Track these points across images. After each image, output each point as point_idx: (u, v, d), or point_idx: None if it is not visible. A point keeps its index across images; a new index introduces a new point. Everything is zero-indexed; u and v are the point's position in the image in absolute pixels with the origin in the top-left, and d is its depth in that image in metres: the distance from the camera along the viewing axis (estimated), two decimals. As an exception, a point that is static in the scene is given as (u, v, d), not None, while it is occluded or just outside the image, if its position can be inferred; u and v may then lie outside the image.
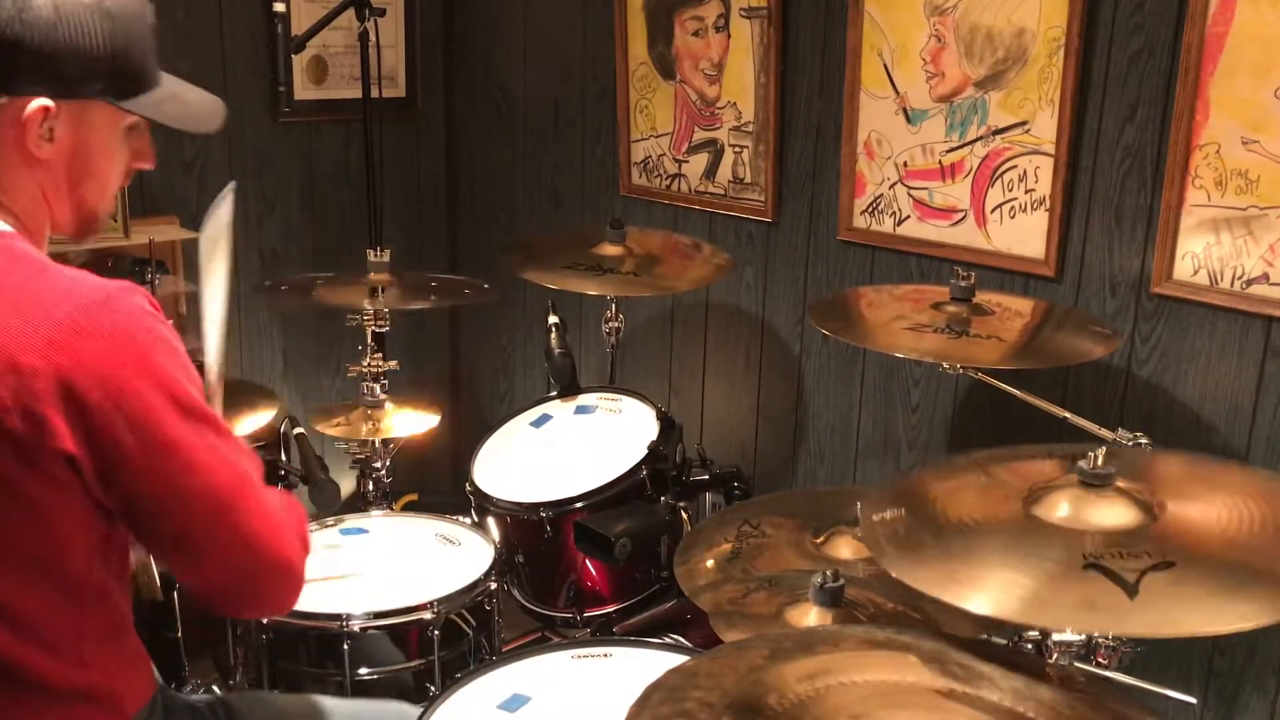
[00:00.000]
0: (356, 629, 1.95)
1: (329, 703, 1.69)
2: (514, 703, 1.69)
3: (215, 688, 1.67)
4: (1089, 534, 1.32)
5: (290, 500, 1.41)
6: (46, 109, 1.25)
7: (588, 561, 2.31)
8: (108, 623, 1.34)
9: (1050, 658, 1.51)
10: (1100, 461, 1.36)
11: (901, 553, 1.34)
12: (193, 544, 1.28)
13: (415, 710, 1.73)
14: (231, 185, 1.60)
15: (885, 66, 2.48)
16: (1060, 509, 1.36)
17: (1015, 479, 1.45)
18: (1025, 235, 2.33)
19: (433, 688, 1.99)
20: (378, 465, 2.66)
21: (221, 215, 1.58)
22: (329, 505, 2.22)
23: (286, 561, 1.33)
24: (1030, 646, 1.62)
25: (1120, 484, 1.37)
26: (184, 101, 1.42)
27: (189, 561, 1.31)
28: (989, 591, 1.24)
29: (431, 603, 2.00)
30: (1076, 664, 1.50)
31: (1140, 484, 1.39)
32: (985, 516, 1.38)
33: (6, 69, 1.23)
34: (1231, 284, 2.05)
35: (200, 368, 1.35)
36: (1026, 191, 2.31)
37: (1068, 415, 1.92)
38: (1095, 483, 1.36)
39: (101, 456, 1.20)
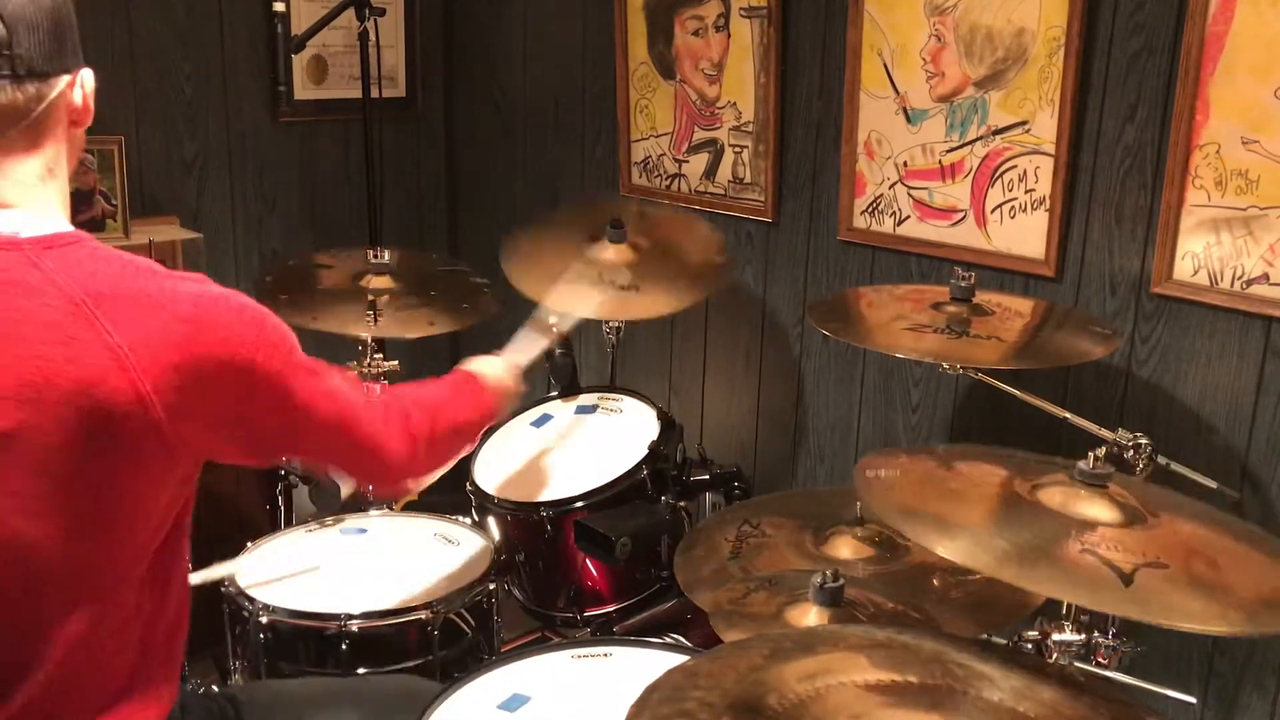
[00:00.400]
0: (355, 629, 1.95)
1: (334, 683, 1.71)
2: (514, 703, 1.69)
3: (215, 687, 1.68)
4: (1084, 525, 1.33)
5: (431, 394, 1.67)
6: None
7: (588, 561, 2.31)
8: (174, 610, 1.39)
9: (1050, 657, 1.50)
10: (1100, 459, 1.37)
11: (894, 505, 1.39)
12: (299, 451, 1.56)
13: (426, 683, 1.75)
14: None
15: (885, 66, 2.48)
16: (1057, 498, 1.38)
17: (1015, 471, 1.47)
18: (1025, 235, 2.33)
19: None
20: (378, 465, 2.65)
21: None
22: (329, 505, 2.22)
23: (385, 465, 1.53)
24: (1030, 646, 1.62)
25: (1115, 490, 1.38)
26: None
27: (291, 457, 1.75)
28: (984, 545, 1.28)
29: (431, 602, 1.99)
30: (1076, 664, 1.50)
31: (1134, 498, 1.41)
32: (984, 492, 1.40)
33: (71, 47, 1.28)
34: (1231, 284, 2.05)
35: None
36: (1026, 191, 2.31)
37: (1068, 415, 1.93)
38: (1093, 483, 1.37)
39: (234, 426, 1.31)
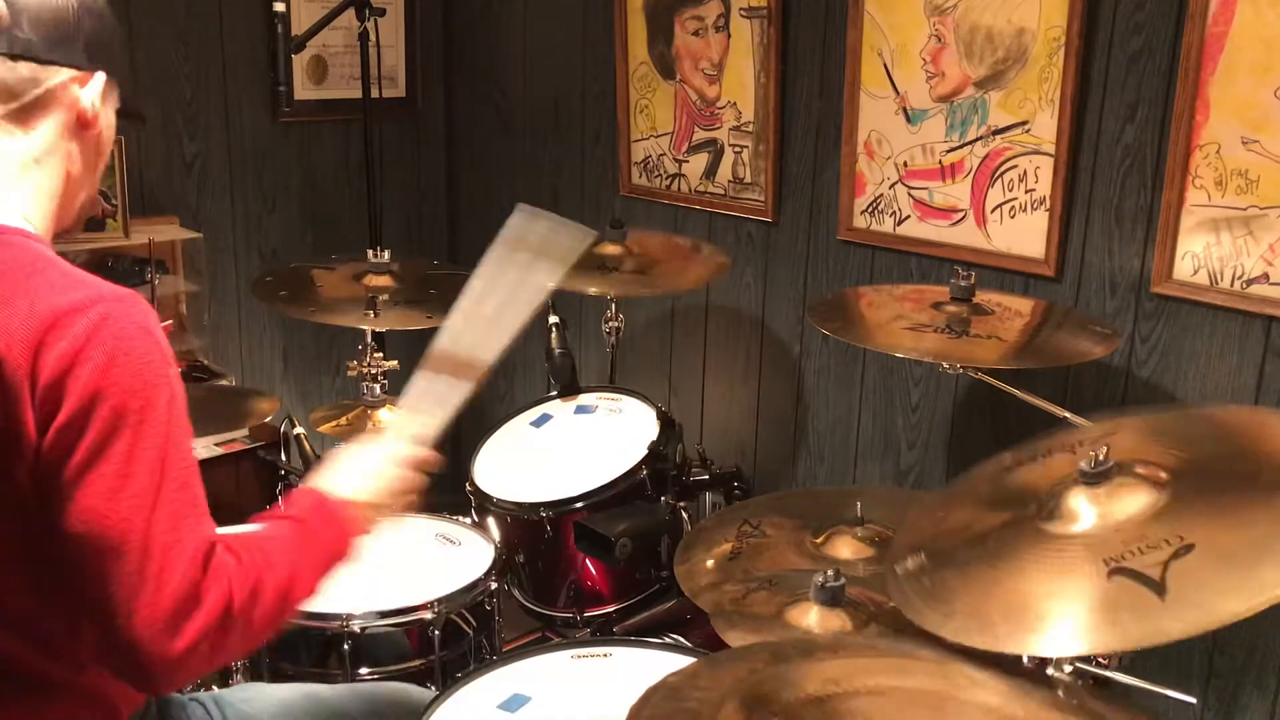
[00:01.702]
0: (357, 629, 1.95)
1: (325, 690, 1.69)
2: (514, 703, 1.69)
3: (215, 688, 1.67)
4: (1105, 534, 1.29)
5: (218, 585, 1.18)
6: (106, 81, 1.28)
7: (588, 561, 2.31)
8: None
9: (1050, 658, 1.50)
10: (1100, 457, 1.35)
11: (933, 605, 1.30)
12: (61, 562, 1.16)
13: (419, 690, 1.74)
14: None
15: (885, 66, 2.48)
16: (1070, 518, 1.32)
17: (1017, 488, 1.44)
18: (1025, 235, 2.33)
19: (433, 687, 1.98)
20: (378, 465, 2.65)
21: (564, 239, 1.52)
22: None
23: (131, 634, 1.15)
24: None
25: (1118, 467, 1.34)
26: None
27: (55, 579, 1.19)
28: (1038, 634, 1.21)
29: (432, 602, 1.99)
30: (1077, 664, 1.50)
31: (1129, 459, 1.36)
32: (1001, 542, 1.34)
33: (84, 47, 1.26)
34: (1231, 284, 2.05)
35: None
36: (1026, 191, 2.31)
37: (1068, 415, 1.92)
38: (1097, 479, 1.35)
39: (55, 457, 1.14)
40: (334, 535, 1.35)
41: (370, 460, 1.42)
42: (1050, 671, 1.28)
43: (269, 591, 1.22)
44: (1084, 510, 1.33)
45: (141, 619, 1.13)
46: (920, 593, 1.32)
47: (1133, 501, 1.31)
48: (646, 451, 2.31)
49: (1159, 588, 1.18)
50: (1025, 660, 1.48)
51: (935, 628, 1.25)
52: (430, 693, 1.73)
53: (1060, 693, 1.21)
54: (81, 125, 1.29)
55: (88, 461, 1.13)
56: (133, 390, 1.14)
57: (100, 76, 1.29)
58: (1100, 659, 1.59)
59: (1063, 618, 1.20)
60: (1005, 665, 1.25)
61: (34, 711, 1.28)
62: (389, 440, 1.45)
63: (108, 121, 1.33)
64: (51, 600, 1.25)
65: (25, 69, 1.23)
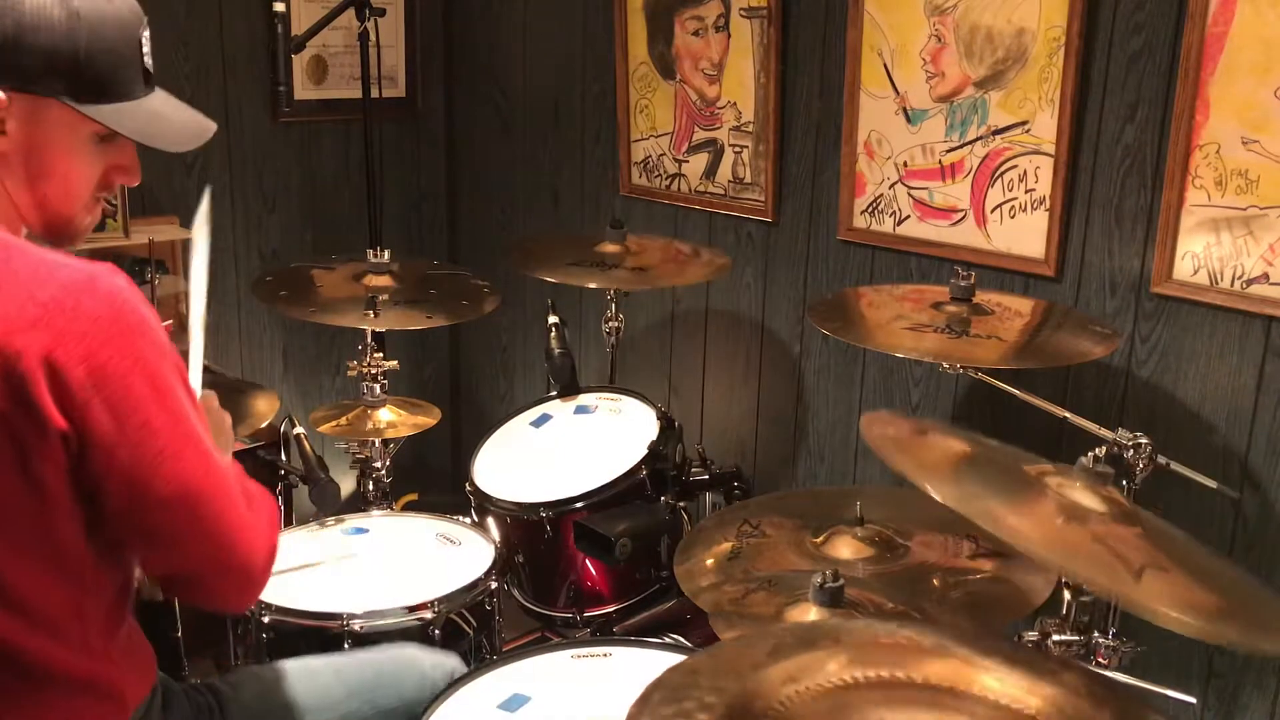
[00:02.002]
0: (357, 628, 1.95)
1: (317, 661, 1.72)
2: (514, 703, 1.69)
3: (199, 680, 1.68)
4: (1091, 518, 1.33)
5: (264, 503, 1.40)
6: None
7: (588, 561, 2.31)
8: (107, 605, 1.35)
9: (1049, 658, 1.51)
10: (1100, 459, 1.37)
11: (922, 467, 1.35)
12: (158, 531, 1.29)
13: (414, 651, 1.76)
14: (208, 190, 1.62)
15: (885, 66, 2.48)
16: (1062, 489, 1.37)
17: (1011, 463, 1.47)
18: (1025, 235, 2.33)
19: (437, 639, 1.99)
20: (378, 465, 2.66)
21: (200, 213, 1.60)
22: (329, 505, 2.22)
23: (247, 562, 1.34)
24: (1030, 645, 1.63)
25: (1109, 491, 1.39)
26: (163, 119, 1.41)
27: (152, 546, 1.32)
28: (1015, 516, 1.26)
29: (432, 602, 1.99)
30: (1074, 662, 1.50)
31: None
32: (992, 472, 1.39)
33: None
34: (1231, 284, 2.05)
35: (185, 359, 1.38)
36: (1026, 191, 2.31)
37: (1068, 415, 1.92)
38: (1095, 480, 1.37)
39: (80, 436, 1.20)
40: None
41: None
42: (1051, 665, 1.29)
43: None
44: (1074, 492, 1.37)
45: (258, 545, 1.34)
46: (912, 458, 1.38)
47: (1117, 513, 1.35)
48: (646, 451, 2.31)
49: (1136, 574, 1.23)
50: (1024, 648, 1.48)
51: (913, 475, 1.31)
52: (430, 649, 1.74)
53: (1060, 686, 1.21)
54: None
55: (141, 436, 1.22)
56: (146, 357, 1.23)
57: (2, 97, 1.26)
58: (1100, 659, 1.59)
59: (1046, 526, 1.28)
60: (1006, 658, 1.25)
61: (45, 704, 1.29)
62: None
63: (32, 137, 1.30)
64: (62, 581, 1.27)
65: None
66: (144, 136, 1.37)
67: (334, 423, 2.63)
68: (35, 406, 1.17)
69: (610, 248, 2.66)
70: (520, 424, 2.60)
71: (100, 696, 1.34)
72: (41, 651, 1.28)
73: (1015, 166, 2.32)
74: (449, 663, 1.79)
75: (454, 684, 1.73)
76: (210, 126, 1.46)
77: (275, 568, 1.38)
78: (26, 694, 1.29)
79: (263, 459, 2.47)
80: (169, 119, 1.42)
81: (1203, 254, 2.08)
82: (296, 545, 2.23)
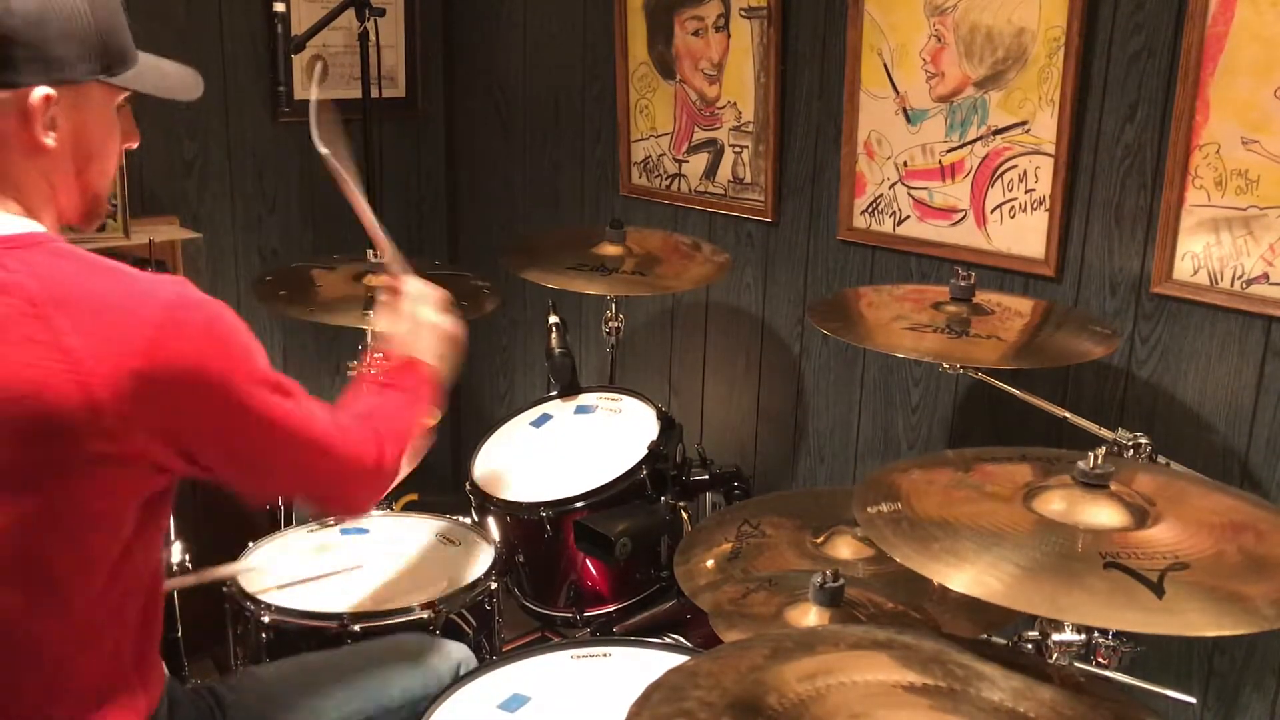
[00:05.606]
0: (357, 629, 1.95)
1: (315, 657, 1.74)
2: (514, 703, 1.69)
3: (201, 682, 1.69)
4: (1098, 533, 1.31)
5: (375, 402, 1.55)
6: (48, 97, 1.25)
7: (588, 561, 2.31)
8: (143, 609, 1.37)
9: (1050, 657, 1.51)
10: (1099, 461, 1.36)
11: (911, 544, 1.32)
12: (274, 475, 1.43)
13: (412, 639, 1.78)
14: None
15: (885, 66, 2.48)
16: (1060, 506, 1.36)
17: (1003, 477, 1.46)
18: (1025, 235, 2.33)
19: (436, 630, 1.99)
20: (378, 465, 2.65)
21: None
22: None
23: (358, 464, 1.45)
24: (1030, 646, 1.62)
25: (1114, 488, 1.38)
26: (163, 73, 1.43)
27: (269, 485, 1.50)
28: (1018, 591, 1.23)
29: (432, 602, 2.00)
30: (1076, 664, 1.50)
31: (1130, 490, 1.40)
32: (986, 513, 1.38)
33: (5, 64, 1.23)
34: (1231, 284, 2.05)
35: None
36: (1026, 191, 2.31)
37: (1068, 415, 1.93)
38: (1093, 483, 1.37)
39: (193, 440, 1.27)
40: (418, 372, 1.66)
41: (420, 323, 1.76)
42: (1051, 666, 1.29)
43: (402, 422, 1.56)
44: (1072, 505, 1.36)
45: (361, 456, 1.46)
46: (898, 532, 1.36)
47: (1124, 516, 1.34)
48: (646, 451, 2.31)
49: (1157, 589, 1.20)
50: (1025, 649, 1.48)
51: (911, 562, 1.30)
52: (437, 640, 1.74)
53: (1061, 686, 1.21)
54: (30, 140, 1.29)
55: (241, 445, 1.33)
56: (242, 366, 1.33)
57: (42, 91, 1.26)
58: (1100, 659, 1.59)
59: (1051, 585, 1.23)
60: (1006, 659, 1.26)
61: (74, 708, 1.31)
62: (416, 303, 1.81)
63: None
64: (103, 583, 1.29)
65: None
66: (164, 91, 1.41)
67: (334, 423, 2.63)
68: (133, 422, 1.21)
69: (610, 249, 2.65)
70: (520, 424, 2.60)
71: (123, 706, 1.35)
72: (69, 650, 1.30)
73: (1015, 166, 2.32)
74: (457, 654, 1.80)
75: (454, 684, 1.73)
76: (193, 70, 1.51)
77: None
78: (53, 699, 1.30)
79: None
80: (168, 71, 1.45)
81: (1203, 254, 2.08)
82: (296, 544, 2.23)
